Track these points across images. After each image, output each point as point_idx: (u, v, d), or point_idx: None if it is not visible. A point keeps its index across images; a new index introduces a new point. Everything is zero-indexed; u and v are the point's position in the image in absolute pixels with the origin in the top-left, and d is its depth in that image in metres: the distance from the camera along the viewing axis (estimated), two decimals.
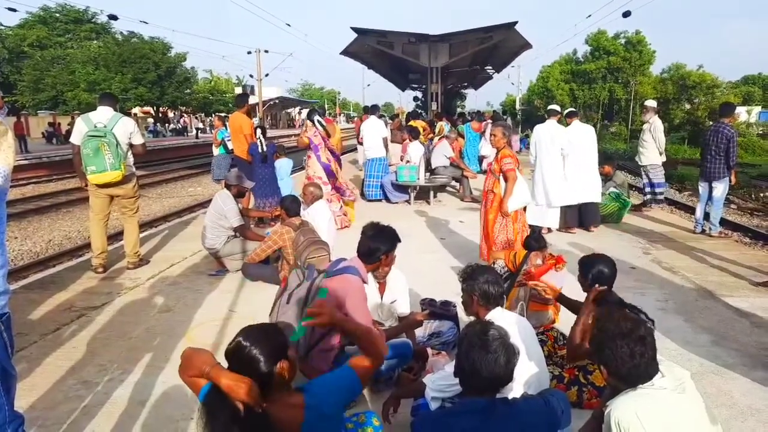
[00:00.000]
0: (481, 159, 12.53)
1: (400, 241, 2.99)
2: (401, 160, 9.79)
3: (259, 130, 7.43)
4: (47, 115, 34.54)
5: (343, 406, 1.89)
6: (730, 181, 6.64)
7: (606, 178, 7.81)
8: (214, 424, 1.57)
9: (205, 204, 10.32)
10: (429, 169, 9.73)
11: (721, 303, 4.32)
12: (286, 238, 4.61)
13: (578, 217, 6.90)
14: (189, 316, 4.11)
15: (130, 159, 5.17)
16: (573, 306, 2.99)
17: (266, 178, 7.30)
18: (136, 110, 39.34)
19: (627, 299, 2.78)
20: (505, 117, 19.63)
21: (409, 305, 3.33)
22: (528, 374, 2.29)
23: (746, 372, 3.13)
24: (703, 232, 6.84)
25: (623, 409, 1.67)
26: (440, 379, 2.27)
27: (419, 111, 17.54)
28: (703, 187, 6.86)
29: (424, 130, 11.26)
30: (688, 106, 30.83)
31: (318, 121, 7.16)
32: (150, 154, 19.69)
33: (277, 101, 50.22)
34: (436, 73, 19.32)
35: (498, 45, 19.00)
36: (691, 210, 8.70)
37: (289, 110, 62.61)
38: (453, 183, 10.09)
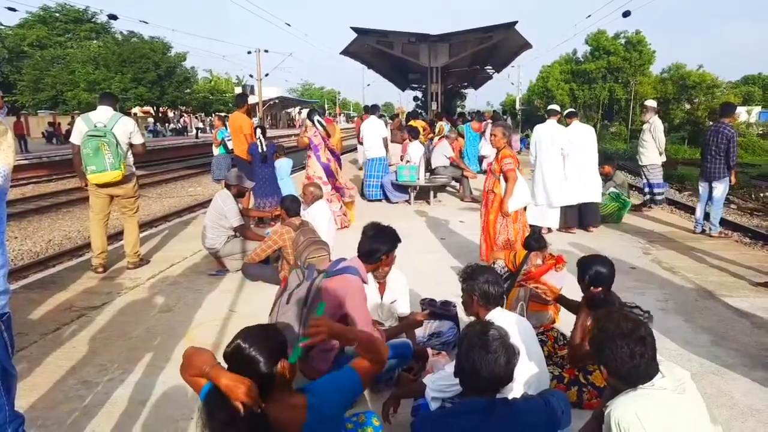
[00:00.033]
0: (481, 159, 12.52)
1: (400, 241, 2.99)
2: (401, 160, 9.79)
3: (259, 130, 7.43)
4: (47, 114, 34.55)
5: (344, 407, 1.89)
6: (730, 181, 6.65)
7: (606, 178, 7.81)
8: (214, 424, 1.57)
9: (205, 204, 10.32)
10: (429, 169, 9.73)
11: (721, 303, 4.32)
12: (286, 238, 4.61)
13: (578, 217, 6.90)
14: (189, 316, 4.11)
15: (130, 159, 5.17)
16: (573, 307, 2.99)
17: (266, 178, 7.30)
18: (136, 110, 39.33)
19: (627, 299, 2.78)
20: (505, 117, 19.60)
21: (409, 305, 3.33)
22: (528, 374, 2.29)
23: (746, 372, 3.13)
24: (703, 232, 6.84)
25: (623, 409, 1.67)
26: (440, 380, 2.27)
27: (419, 111, 17.54)
28: (703, 187, 6.86)
29: (424, 130, 11.26)
30: (688, 106, 30.84)
31: (318, 121, 7.16)
32: (150, 154, 19.72)
33: (277, 101, 50.22)
34: (436, 72, 19.32)
35: (498, 45, 19.00)
36: (691, 210, 8.70)
37: (289, 110, 62.61)
38: (453, 183, 10.09)
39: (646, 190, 8.49)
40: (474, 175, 10.29)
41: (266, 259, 4.88)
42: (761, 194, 12.21)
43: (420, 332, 3.34)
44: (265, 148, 7.26)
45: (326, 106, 77.49)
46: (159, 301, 4.44)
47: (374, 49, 19.16)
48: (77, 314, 4.14)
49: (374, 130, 9.60)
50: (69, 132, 9.75)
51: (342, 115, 77.03)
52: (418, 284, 4.31)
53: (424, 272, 4.93)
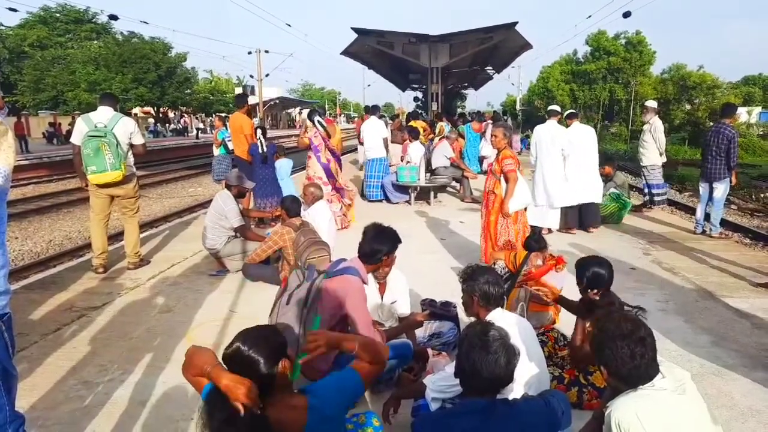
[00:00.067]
0: (481, 159, 12.54)
1: (401, 242, 2.99)
2: (401, 160, 9.79)
3: (259, 131, 7.44)
4: (48, 115, 34.55)
5: (345, 407, 1.89)
6: (730, 182, 6.65)
7: (606, 178, 7.82)
8: (213, 424, 1.57)
9: (205, 204, 10.32)
10: (429, 169, 9.73)
11: (722, 304, 4.32)
12: (287, 239, 4.61)
13: (578, 217, 6.90)
14: (189, 316, 4.11)
15: (131, 159, 5.17)
16: (572, 308, 2.98)
17: (266, 178, 7.30)
18: (136, 110, 39.36)
19: (627, 300, 2.78)
20: (505, 117, 19.60)
21: (410, 306, 3.33)
22: (528, 375, 2.29)
23: (747, 373, 3.13)
24: (703, 232, 6.84)
25: (623, 410, 1.67)
26: (441, 380, 2.27)
27: (419, 111, 17.55)
28: (703, 188, 6.86)
29: (424, 131, 11.26)
30: (688, 107, 30.83)
31: (318, 122, 7.16)
32: (150, 155, 19.71)
33: (277, 101, 50.26)
34: (437, 73, 19.34)
35: (498, 45, 19.02)
36: (691, 211, 8.70)
37: (289, 110, 62.66)
38: (453, 183, 10.09)
39: (646, 190, 8.50)
40: (474, 175, 10.29)
41: (267, 259, 4.88)
42: (761, 195, 12.20)
43: (420, 333, 3.34)
44: (265, 149, 7.27)
45: (326, 106, 77.52)
46: (159, 302, 4.44)
47: (374, 49, 19.17)
48: (78, 314, 4.15)
49: (374, 130, 9.60)
50: (69, 132, 9.77)
51: (342, 115, 77.06)
52: (419, 285, 4.31)
53: (425, 273, 4.93)
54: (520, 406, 1.94)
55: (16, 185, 14.15)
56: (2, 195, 1.78)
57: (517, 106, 40.53)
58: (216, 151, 10.07)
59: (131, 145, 5.13)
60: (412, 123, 11.77)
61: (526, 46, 19.27)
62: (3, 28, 41.53)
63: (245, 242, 5.19)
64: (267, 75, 36.72)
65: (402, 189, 9.22)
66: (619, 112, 37.52)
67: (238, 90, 40.42)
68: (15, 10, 22.52)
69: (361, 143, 10.78)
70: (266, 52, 35.30)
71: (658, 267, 5.35)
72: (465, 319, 2.86)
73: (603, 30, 37.34)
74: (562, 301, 3.14)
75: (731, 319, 4.00)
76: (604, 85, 37.40)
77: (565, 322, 3.42)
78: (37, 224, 10.03)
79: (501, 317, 2.38)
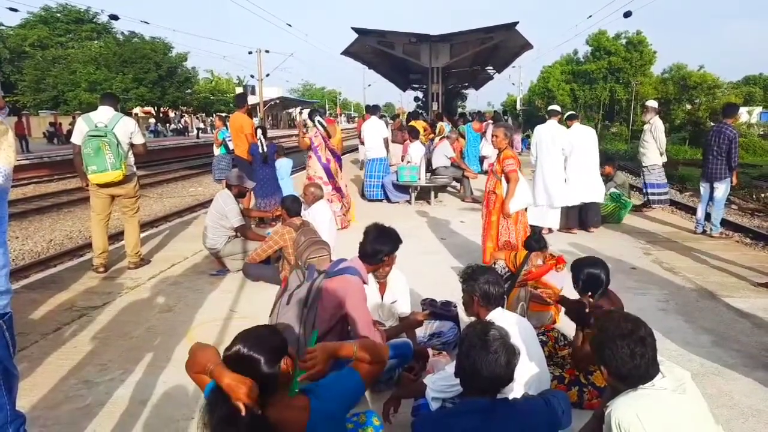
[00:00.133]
0: (481, 159, 12.54)
1: (402, 242, 2.99)
2: (402, 160, 9.79)
3: (259, 131, 7.44)
4: (48, 115, 34.56)
5: (347, 407, 1.89)
6: (731, 182, 6.64)
7: (607, 178, 7.82)
8: (214, 423, 1.57)
9: (206, 204, 10.32)
10: (430, 169, 9.73)
11: (722, 303, 4.31)
12: (287, 239, 4.61)
13: (579, 217, 6.90)
14: (190, 315, 4.12)
15: (131, 159, 5.18)
16: (572, 309, 2.96)
17: (267, 178, 7.31)
18: (137, 110, 39.38)
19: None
20: (505, 117, 19.59)
21: (410, 305, 3.33)
22: (528, 375, 2.29)
23: (747, 372, 3.12)
24: (704, 232, 6.83)
25: (624, 409, 1.67)
26: (441, 380, 2.27)
27: (420, 111, 17.54)
28: (704, 188, 6.86)
29: (424, 131, 11.27)
30: (689, 107, 30.85)
31: (318, 122, 7.16)
32: (151, 154, 19.67)
33: (278, 101, 50.27)
34: (437, 73, 19.32)
35: (499, 45, 19.00)
36: (692, 210, 8.70)
37: (290, 110, 62.66)
38: (454, 183, 10.09)
39: (645, 190, 8.50)
40: (475, 175, 10.29)
41: (267, 259, 4.88)
42: (762, 195, 12.19)
43: (421, 332, 3.34)
44: (265, 149, 7.27)
45: (327, 106, 77.51)
46: (160, 301, 4.45)
47: (375, 49, 19.16)
48: (78, 314, 4.15)
49: (375, 130, 9.61)
50: (70, 132, 9.76)
51: (343, 115, 77.06)
52: (419, 284, 4.31)
53: (425, 272, 4.93)
54: (520, 405, 1.94)
55: (17, 185, 14.16)
56: (3, 194, 1.78)
57: (518, 106, 40.51)
58: (216, 151, 10.08)
59: (132, 145, 5.13)
60: (413, 123, 11.76)
61: (527, 46, 19.25)
62: (4, 28, 41.56)
63: (246, 242, 5.19)
64: (267, 75, 36.74)
65: (402, 189, 9.22)
66: (620, 111, 37.52)
67: (239, 90, 40.42)
68: (16, 10, 22.51)
69: (363, 143, 10.79)
70: (267, 52, 35.31)
71: (659, 267, 5.35)
72: (465, 319, 2.86)
73: (603, 30, 37.35)
74: (563, 302, 3.14)
75: (732, 318, 4.00)
76: (604, 85, 37.39)
77: (566, 322, 3.41)
78: (38, 224, 10.03)
79: (501, 317, 2.38)
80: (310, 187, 5.40)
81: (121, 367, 3.26)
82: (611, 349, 1.73)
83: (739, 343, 3.55)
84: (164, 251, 6.17)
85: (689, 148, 24.08)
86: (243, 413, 1.53)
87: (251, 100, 30.22)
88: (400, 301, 3.26)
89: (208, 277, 5.12)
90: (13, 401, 1.86)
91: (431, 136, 11.45)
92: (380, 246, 2.88)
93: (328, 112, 67.23)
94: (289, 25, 30.80)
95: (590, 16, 22.81)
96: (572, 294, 3.10)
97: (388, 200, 9.33)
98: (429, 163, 9.79)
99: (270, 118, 52.48)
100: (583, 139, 6.83)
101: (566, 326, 3.31)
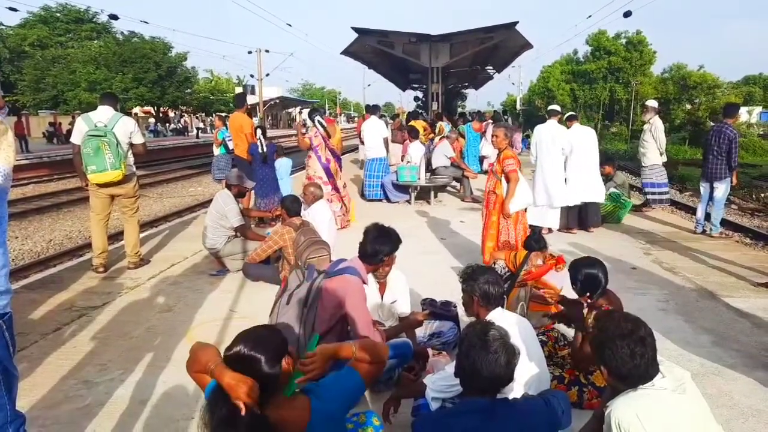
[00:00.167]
0: (481, 159, 12.54)
1: (401, 242, 2.99)
2: (402, 160, 9.79)
3: (259, 131, 7.44)
4: (48, 114, 34.55)
5: (347, 407, 1.89)
6: (731, 182, 6.65)
7: (607, 178, 7.82)
8: (214, 423, 1.57)
9: (205, 204, 10.32)
10: (429, 169, 9.73)
11: (722, 303, 4.31)
12: (287, 238, 4.61)
13: (579, 217, 6.90)
14: (190, 315, 4.12)
15: (131, 159, 5.17)
16: (572, 311, 2.96)
17: (266, 178, 7.31)
18: (136, 110, 39.36)
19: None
20: (505, 117, 19.58)
21: (410, 305, 3.33)
22: (528, 375, 2.29)
23: (747, 372, 3.13)
24: (704, 232, 6.83)
25: (623, 409, 1.67)
26: (441, 380, 2.27)
27: (420, 111, 17.53)
28: (704, 188, 6.87)
29: (424, 130, 11.27)
30: (689, 107, 30.87)
31: (318, 121, 7.16)
32: (150, 154, 19.68)
33: (277, 101, 50.24)
34: (437, 73, 19.31)
35: (499, 45, 18.99)
36: (691, 210, 8.70)
37: (289, 110, 62.66)
38: (453, 183, 10.09)
39: (644, 190, 8.50)
40: (474, 175, 10.29)
41: (267, 259, 4.88)
42: (762, 195, 12.20)
43: (420, 332, 3.34)
44: (265, 148, 7.27)
45: (327, 106, 77.49)
46: (159, 301, 4.45)
47: (375, 49, 19.15)
48: (78, 314, 4.15)
49: (375, 130, 9.60)
50: (70, 132, 9.76)
51: (342, 115, 77.03)
52: (419, 284, 4.31)
53: (425, 272, 4.93)
54: (520, 405, 1.94)
55: (17, 185, 14.15)
56: (3, 194, 1.78)
57: (518, 106, 40.52)
58: (216, 151, 10.08)
59: (131, 145, 5.13)
60: (412, 123, 11.76)
61: (527, 45, 19.25)
62: (3, 27, 41.54)
63: (245, 242, 5.19)
64: (267, 74, 36.71)
65: (402, 188, 9.22)
66: (620, 111, 37.54)
67: (239, 90, 40.40)
68: (15, 10, 22.48)
69: (362, 143, 10.78)
70: (266, 51, 35.29)
71: (659, 267, 5.35)
72: (465, 319, 2.86)
73: (603, 30, 37.38)
74: (563, 302, 3.14)
75: (731, 318, 4.00)
76: (604, 85, 37.42)
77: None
78: (38, 224, 10.03)
79: (501, 317, 2.38)
80: (309, 187, 5.40)
81: (120, 367, 3.26)
82: (611, 349, 1.73)
83: (738, 343, 3.56)
84: (164, 251, 6.16)
85: (689, 148, 24.09)
86: (243, 412, 1.52)
87: (251, 99, 30.23)
88: (400, 301, 3.26)
89: (207, 277, 5.11)
90: (13, 401, 1.86)
91: (431, 135, 11.45)
92: (380, 246, 2.88)
93: (327, 111, 67.24)
94: (289, 25, 30.84)
95: (590, 16, 22.85)
96: (572, 294, 3.10)
97: (388, 200, 9.33)
98: (429, 162, 9.79)
99: (270, 118, 52.49)
100: (583, 139, 6.83)
101: (566, 326, 3.31)
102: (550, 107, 7.20)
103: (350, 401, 1.89)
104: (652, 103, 8.55)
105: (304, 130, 7.32)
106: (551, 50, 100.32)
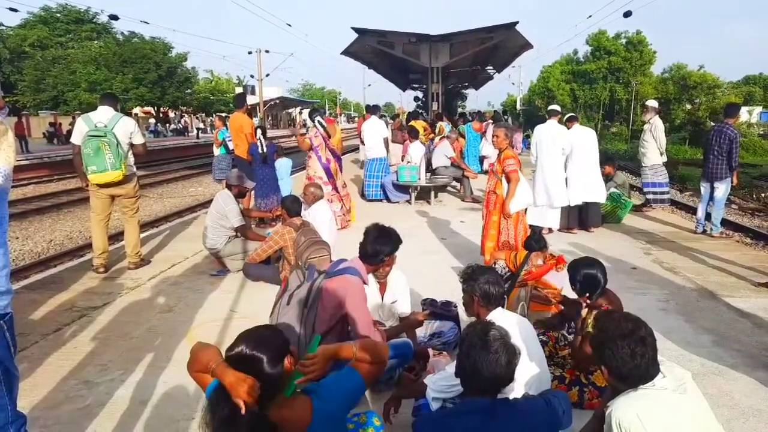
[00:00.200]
0: (482, 159, 12.54)
1: (402, 242, 2.99)
2: (402, 160, 9.79)
3: (259, 131, 7.44)
4: (48, 115, 34.55)
5: (348, 407, 1.89)
6: (731, 182, 6.65)
7: (607, 178, 7.82)
8: (214, 422, 1.57)
9: (206, 204, 10.33)
10: (430, 169, 9.73)
11: (723, 303, 4.31)
12: (287, 239, 4.61)
13: (579, 217, 6.90)
14: (190, 316, 4.12)
15: (131, 159, 5.17)
16: (571, 311, 2.96)
17: (267, 178, 7.31)
18: (136, 110, 39.38)
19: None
20: (505, 117, 19.58)
21: (410, 305, 3.33)
22: (529, 375, 2.29)
23: (748, 372, 3.12)
24: (704, 232, 6.83)
25: (624, 409, 1.67)
26: (441, 380, 2.27)
27: (420, 111, 17.53)
28: (704, 188, 6.86)
29: (424, 130, 11.27)
30: (689, 107, 30.87)
31: (318, 122, 7.17)
32: (151, 154, 19.67)
33: (277, 101, 50.25)
34: (437, 73, 19.31)
35: (499, 45, 18.99)
36: (692, 210, 8.70)
37: (289, 110, 62.68)
38: (454, 183, 10.09)
39: (645, 190, 8.50)
40: (475, 175, 10.30)
41: (267, 259, 4.88)
42: (762, 194, 12.20)
43: (421, 332, 3.34)
44: (265, 149, 7.27)
45: (327, 106, 77.50)
46: (160, 302, 4.45)
47: (375, 49, 19.15)
48: (78, 314, 4.15)
49: (375, 130, 9.60)
50: (70, 132, 9.77)
51: (342, 115, 77.04)
52: (419, 284, 4.31)
53: (425, 272, 4.93)
54: (520, 405, 1.94)
55: (17, 185, 14.16)
56: (3, 195, 1.78)
57: (518, 106, 40.51)
58: (216, 151, 10.08)
59: (131, 145, 5.13)
60: (413, 123, 11.77)
61: (527, 45, 19.24)
62: (3, 28, 41.56)
63: (246, 242, 5.19)
64: (267, 75, 36.72)
65: (402, 189, 9.22)
66: (620, 111, 37.54)
67: (239, 90, 40.43)
68: (15, 10, 22.51)
69: (363, 143, 10.78)
70: (267, 51, 35.30)
71: (659, 267, 5.35)
72: (465, 319, 2.86)
73: (603, 30, 37.36)
74: (564, 302, 3.14)
75: (732, 318, 4.00)
76: (604, 85, 37.41)
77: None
78: (38, 224, 10.03)
79: (501, 317, 2.38)
80: (310, 187, 5.40)
81: (121, 368, 3.26)
82: (612, 349, 1.73)
83: (739, 342, 3.55)
84: (164, 251, 6.17)
85: (689, 147, 24.09)
86: (243, 411, 1.52)
87: (251, 100, 30.25)
88: (401, 301, 3.26)
89: (208, 277, 5.12)
90: (14, 401, 1.86)
91: (431, 135, 11.45)
92: (380, 246, 2.88)
93: (327, 112, 67.23)
94: (289, 25, 30.83)
95: (590, 16, 22.84)
96: (572, 294, 3.10)
97: (388, 200, 9.33)
98: (429, 163, 9.79)
99: (270, 118, 52.50)
100: (583, 139, 6.84)
101: (562, 330, 3.30)
102: (550, 107, 7.20)
103: (351, 401, 1.89)
104: (653, 103, 8.55)
105: (303, 131, 7.32)
106: (551, 50, 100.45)
